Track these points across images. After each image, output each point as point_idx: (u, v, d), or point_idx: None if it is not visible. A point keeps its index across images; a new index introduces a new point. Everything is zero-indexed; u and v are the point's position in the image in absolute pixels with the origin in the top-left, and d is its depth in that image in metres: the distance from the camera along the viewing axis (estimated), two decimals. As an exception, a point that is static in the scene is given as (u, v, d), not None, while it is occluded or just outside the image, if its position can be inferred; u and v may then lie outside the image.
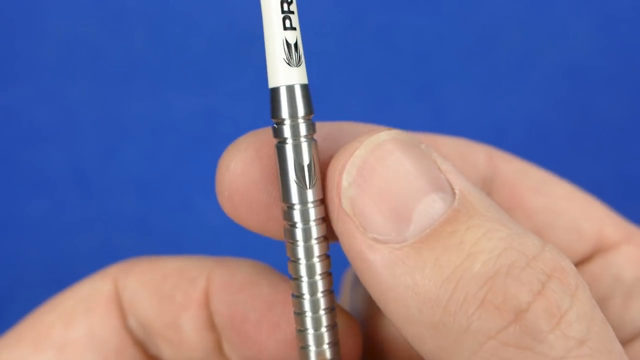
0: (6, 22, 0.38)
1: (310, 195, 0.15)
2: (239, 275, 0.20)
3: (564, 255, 0.14)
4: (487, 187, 0.20)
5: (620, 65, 0.39)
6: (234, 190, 0.17)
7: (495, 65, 0.39)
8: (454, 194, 0.15)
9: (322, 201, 0.16)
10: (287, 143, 0.15)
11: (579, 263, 0.20)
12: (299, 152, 0.15)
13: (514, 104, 0.39)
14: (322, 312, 0.16)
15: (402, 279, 0.14)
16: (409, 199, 0.14)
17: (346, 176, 0.15)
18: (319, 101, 0.42)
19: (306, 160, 0.15)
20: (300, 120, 0.15)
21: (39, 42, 0.38)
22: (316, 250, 0.16)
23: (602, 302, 0.19)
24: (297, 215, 0.16)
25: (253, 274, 0.20)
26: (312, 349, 0.16)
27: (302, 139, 0.15)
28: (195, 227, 0.38)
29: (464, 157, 0.20)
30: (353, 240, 0.15)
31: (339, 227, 0.15)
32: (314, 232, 0.16)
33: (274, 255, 0.41)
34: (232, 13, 0.38)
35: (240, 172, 0.18)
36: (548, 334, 0.13)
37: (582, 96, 0.39)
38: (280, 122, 0.15)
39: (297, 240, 0.16)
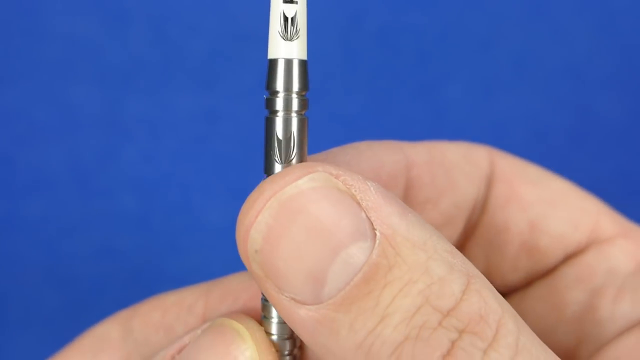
0: (6, 22, 0.38)
1: None
2: (233, 290, 0.19)
3: (489, 293, 0.13)
4: (489, 185, 0.20)
5: (621, 65, 0.39)
6: None
7: (495, 65, 0.39)
8: (374, 237, 0.13)
9: None
10: (277, 116, 0.15)
11: (574, 254, 0.20)
12: (287, 126, 0.15)
13: (514, 104, 0.39)
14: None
15: (320, 341, 0.13)
16: (322, 259, 0.13)
17: (251, 243, 0.14)
18: (319, 101, 0.42)
19: (289, 134, 0.15)
20: (294, 95, 0.15)
21: (39, 42, 0.38)
22: None
23: (594, 294, 0.19)
24: None
25: (246, 286, 0.20)
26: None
27: (293, 114, 0.15)
28: (195, 227, 0.38)
29: (467, 159, 0.20)
30: (272, 298, 0.14)
31: (256, 282, 0.14)
32: None
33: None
34: (232, 13, 0.38)
35: None
36: None
37: (582, 96, 0.39)
38: (273, 94, 0.15)
39: None
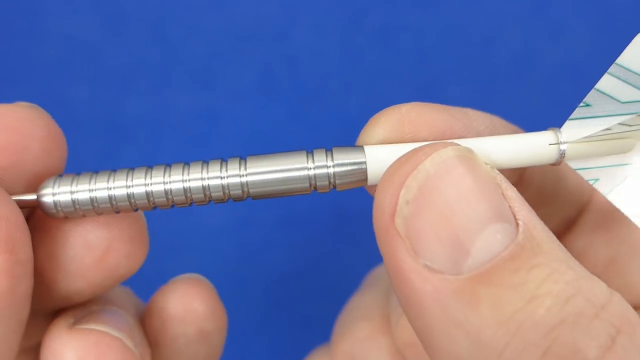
0: (6, 22, 0.38)
1: None
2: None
3: (630, 307, 0.13)
4: (584, 206, 0.20)
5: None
6: None
7: (495, 65, 0.39)
8: (517, 225, 0.13)
9: None
10: None
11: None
12: None
13: (513, 104, 0.39)
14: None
15: (453, 314, 0.13)
16: (470, 228, 0.13)
17: (405, 192, 0.13)
18: (319, 101, 0.42)
19: None
20: None
21: (39, 42, 0.38)
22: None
23: None
24: None
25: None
26: None
27: None
28: (195, 227, 0.38)
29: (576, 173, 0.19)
30: (400, 264, 0.13)
31: (385, 246, 0.14)
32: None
33: (274, 254, 0.41)
34: (232, 13, 0.38)
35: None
36: None
37: (582, 96, 0.39)
38: None
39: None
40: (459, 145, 0.14)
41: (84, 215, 0.17)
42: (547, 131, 0.17)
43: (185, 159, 0.17)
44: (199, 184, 0.16)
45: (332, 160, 0.16)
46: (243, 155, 0.17)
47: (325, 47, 0.38)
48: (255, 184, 0.16)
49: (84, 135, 0.38)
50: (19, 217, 0.16)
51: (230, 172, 0.16)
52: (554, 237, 0.14)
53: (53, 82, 0.38)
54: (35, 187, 0.17)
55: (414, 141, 0.16)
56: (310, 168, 0.16)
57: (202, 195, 0.16)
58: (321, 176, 0.16)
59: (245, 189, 0.16)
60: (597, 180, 0.17)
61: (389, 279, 0.14)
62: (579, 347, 0.12)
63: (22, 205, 0.17)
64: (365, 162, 0.16)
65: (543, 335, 0.12)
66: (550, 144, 0.16)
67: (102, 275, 0.18)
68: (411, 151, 0.14)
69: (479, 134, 0.17)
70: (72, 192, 0.17)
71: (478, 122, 0.17)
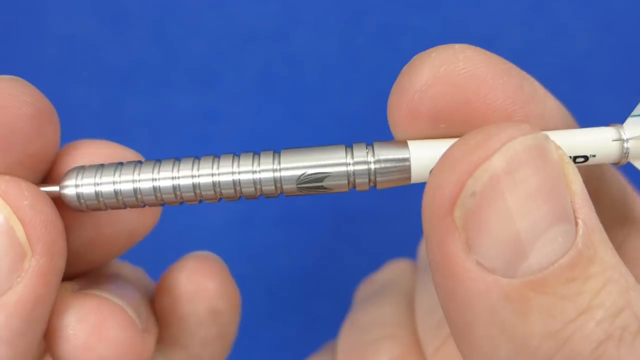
0: (6, 22, 0.38)
1: None
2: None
3: None
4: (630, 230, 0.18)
5: (621, 65, 0.39)
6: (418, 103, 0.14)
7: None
8: (577, 225, 0.12)
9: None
10: None
11: None
12: None
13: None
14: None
15: (500, 317, 0.12)
16: (533, 230, 0.12)
17: (473, 182, 0.12)
18: (319, 101, 0.42)
19: None
20: None
21: (39, 42, 0.38)
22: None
23: None
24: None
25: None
26: None
27: None
28: (195, 227, 0.38)
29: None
30: (450, 257, 0.12)
31: (435, 234, 0.13)
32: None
33: (274, 254, 0.41)
34: (232, 13, 0.38)
35: (430, 86, 0.14)
36: None
37: (582, 96, 0.39)
38: None
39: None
40: (532, 130, 0.13)
41: (107, 209, 0.16)
42: (608, 127, 0.15)
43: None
44: (229, 178, 0.15)
45: (374, 155, 0.15)
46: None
47: (325, 47, 0.38)
48: (289, 179, 0.15)
49: (84, 135, 0.38)
50: (59, 222, 0.15)
51: (263, 167, 0.15)
52: (607, 239, 0.13)
53: (53, 82, 0.38)
54: (30, 169, 0.16)
55: (471, 90, 0.14)
56: (350, 164, 0.15)
57: (233, 191, 0.15)
58: (361, 173, 0.15)
59: (279, 185, 0.15)
60: None
61: (431, 267, 0.13)
62: None
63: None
64: (409, 159, 0.14)
65: (591, 351, 0.12)
66: (613, 140, 0.15)
67: (124, 242, 0.17)
68: (483, 135, 0.13)
69: (544, 105, 0.15)
70: (95, 185, 0.16)
71: (535, 82, 0.16)
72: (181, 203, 0.16)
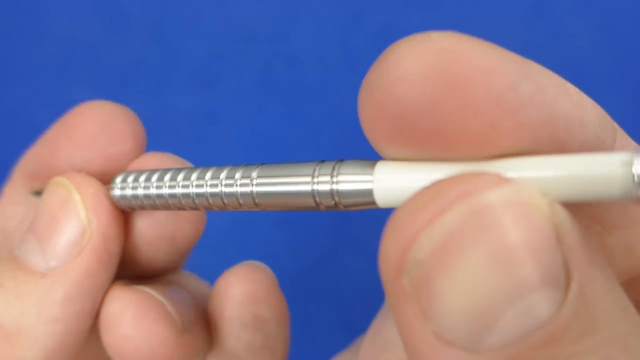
0: (6, 22, 0.38)
1: None
2: None
3: None
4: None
5: (621, 65, 0.39)
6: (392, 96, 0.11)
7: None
8: (568, 289, 0.10)
9: None
10: None
11: None
12: None
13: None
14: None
15: None
16: (500, 299, 0.10)
17: (416, 250, 0.10)
18: (320, 101, 0.42)
19: None
20: None
21: (39, 42, 0.38)
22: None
23: None
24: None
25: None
26: None
27: None
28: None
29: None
30: (406, 325, 0.11)
31: (389, 297, 0.11)
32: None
33: (274, 254, 0.41)
34: (232, 13, 0.38)
35: (410, 76, 0.11)
36: None
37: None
38: None
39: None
40: (508, 184, 0.10)
41: (149, 209, 0.18)
42: (618, 153, 0.11)
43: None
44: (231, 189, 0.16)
45: (337, 175, 0.13)
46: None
47: (325, 47, 0.38)
48: (261, 195, 0.15)
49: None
50: (114, 211, 0.18)
51: (242, 181, 0.15)
52: (620, 299, 0.10)
53: (53, 82, 0.38)
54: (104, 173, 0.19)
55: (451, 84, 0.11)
56: (314, 182, 0.13)
57: (235, 200, 0.16)
58: (323, 193, 0.13)
59: (255, 199, 0.15)
60: None
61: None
62: None
63: None
64: (372, 181, 0.13)
65: None
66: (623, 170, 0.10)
67: (166, 246, 0.19)
68: (434, 189, 0.11)
69: (544, 96, 0.12)
70: (142, 187, 0.18)
71: (544, 79, 0.12)
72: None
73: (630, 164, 0.10)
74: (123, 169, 0.19)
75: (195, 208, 0.17)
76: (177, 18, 0.38)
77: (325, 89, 0.38)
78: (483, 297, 0.10)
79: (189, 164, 0.20)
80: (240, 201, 0.15)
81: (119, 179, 0.18)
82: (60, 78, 0.38)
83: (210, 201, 0.16)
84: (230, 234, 0.38)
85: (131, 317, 0.17)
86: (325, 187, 0.13)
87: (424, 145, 0.11)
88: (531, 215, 0.10)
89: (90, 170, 0.19)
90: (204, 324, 0.20)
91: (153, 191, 0.18)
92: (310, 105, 0.38)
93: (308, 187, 0.14)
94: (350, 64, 0.39)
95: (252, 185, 0.15)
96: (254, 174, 0.15)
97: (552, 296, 0.10)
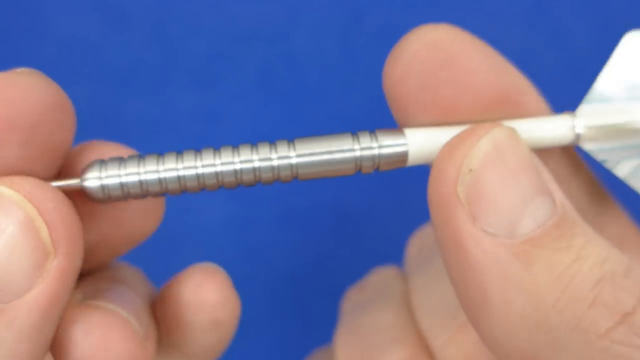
0: (6, 22, 0.38)
1: None
2: None
3: None
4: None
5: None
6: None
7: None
8: (555, 202, 0.15)
9: None
10: None
11: None
12: None
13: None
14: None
15: (509, 274, 0.14)
16: (523, 197, 0.15)
17: (469, 160, 0.15)
18: (320, 101, 0.42)
19: None
20: None
21: (39, 42, 0.38)
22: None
23: None
24: None
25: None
26: None
27: None
28: (195, 226, 0.38)
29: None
30: (456, 229, 0.15)
31: (441, 212, 0.15)
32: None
33: (274, 254, 0.41)
34: (232, 13, 0.38)
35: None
36: None
37: (582, 96, 0.39)
38: None
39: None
40: (505, 126, 0.16)
41: (130, 198, 0.17)
42: (563, 114, 0.18)
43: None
44: (249, 165, 0.17)
45: (377, 142, 0.17)
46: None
47: (325, 47, 0.38)
48: (304, 165, 0.17)
49: (84, 135, 0.38)
50: (78, 222, 0.16)
51: (279, 154, 0.17)
52: (581, 217, 0.15)
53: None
54: (47, 163, 0.16)
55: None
56: (356, 150, 0.17)
57: (252, 176, 0.17)
58: (367, 158, 0.17)
59: (295, 171, 0.17)
60: (605, 161, 0.18)
61: (441, 248, 0.16)
62: (620, 297, 0.14)
63: (63, 191, 0.16)
64: (407, 144, 0.17)
65: (590, 288, 0.14)
66: (568, 127, 0.18)
67: (126, 241, 0.18)
68: (470, 129, 0.16)
69: (520, 88, 0.18)
70: (120, 176, 0.17)
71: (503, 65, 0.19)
72: (202, 190, 0.17)
73: (572, 121, 0.18)
74: (62, 160, 0.17)
75: (206, 188, 0.17)
76: (177, 18, 0.38)
77: (325, 89, 0.38)
78: (517, 195, 0.15)
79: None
80: (280, 174, 0.17)
81: (94, 169, 0.17)
82: (60, 78, 0.38)
83: (242, 177, 0.17)
84: (230, 234, 0.38)
85: (98, 339, 0.16)
86: (371, 153, 0.17)
87: (435, 105, 0.17)
88: (523, 148, 0.15)
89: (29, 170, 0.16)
90: (154, 323, 0.19)
91: (163, 175, 0.17)
92: (310, 105, 0.38)
93: (352, 154, 0.17)
94: (350, 64, 0.39)
95: (293, 157, 0.17)
96: (294, 148, 0.17)
97: (549, 202, 0.15)
